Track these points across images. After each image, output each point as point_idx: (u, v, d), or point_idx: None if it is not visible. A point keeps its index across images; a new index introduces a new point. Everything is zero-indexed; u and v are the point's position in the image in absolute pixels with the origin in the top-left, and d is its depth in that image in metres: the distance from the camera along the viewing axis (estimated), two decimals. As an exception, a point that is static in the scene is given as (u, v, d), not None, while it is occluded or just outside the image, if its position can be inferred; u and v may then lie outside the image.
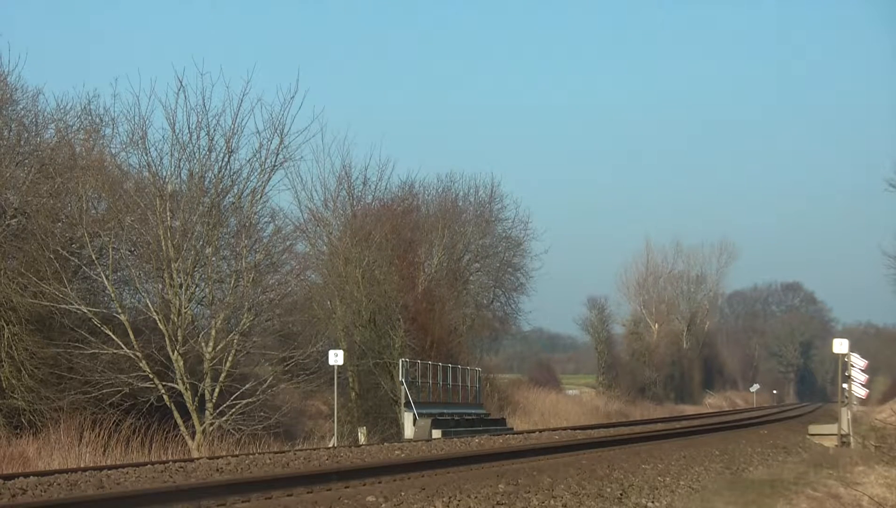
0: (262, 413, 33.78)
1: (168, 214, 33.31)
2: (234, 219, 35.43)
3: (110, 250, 32.90)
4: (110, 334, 32.16)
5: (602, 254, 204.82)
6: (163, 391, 32.53)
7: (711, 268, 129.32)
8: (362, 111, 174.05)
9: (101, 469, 21.82)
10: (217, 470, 22.07)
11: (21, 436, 29.59)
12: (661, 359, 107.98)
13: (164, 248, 33.02)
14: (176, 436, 31.48)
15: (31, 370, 31.82)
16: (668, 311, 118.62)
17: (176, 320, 32.96)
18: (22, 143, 34.75)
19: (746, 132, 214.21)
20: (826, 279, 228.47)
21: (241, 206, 35.27)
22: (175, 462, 24.03)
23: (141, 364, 32.25)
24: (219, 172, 34.64)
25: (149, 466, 22.35)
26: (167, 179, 33.99)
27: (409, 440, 37.65)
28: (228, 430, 32.54)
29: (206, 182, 34.37)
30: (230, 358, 33.35)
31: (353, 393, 44.93)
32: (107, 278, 32.53)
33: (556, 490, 19.13)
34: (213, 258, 34.43)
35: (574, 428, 46.97)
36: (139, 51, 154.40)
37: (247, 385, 33.50)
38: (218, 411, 33.05)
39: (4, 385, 31.83)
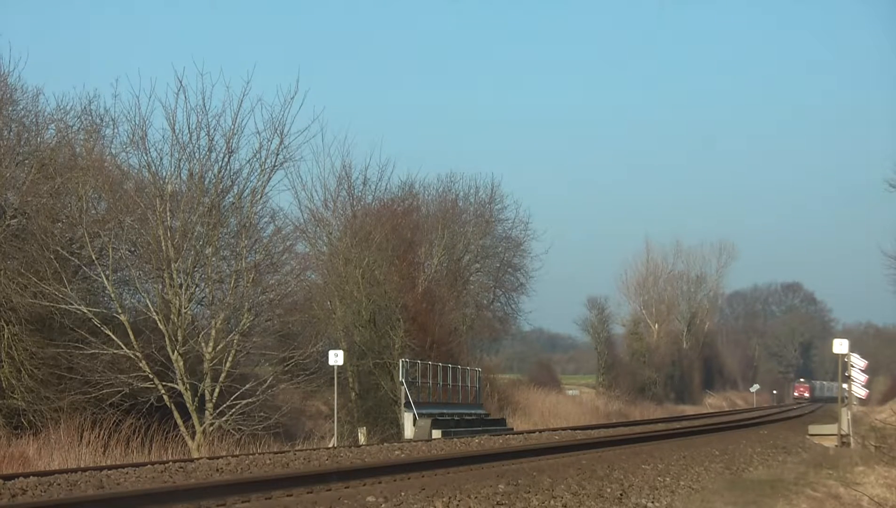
0: (262, 413, 33.78)
1: (168, 214, 33.31)
2: (234, 219, 35.45)
3: (110, 250, 32.90)
4: (110, 334, 32.15)
5: (602, 254, 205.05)
6: (163, 391, 32.53)
7: (711, 268, 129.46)
8: (362, 111, 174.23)
9: (101, 469, 21.83)
10: (217, 470, 22.08)
11: (21, 436, 29.58)
12: (661, 359, 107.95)
13: (164, 248, 33.01)
14: (176, 436, 31.49)
15: (31, 370, 31.81)
16: (668, 311, 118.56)
17: (176, 320, 32.96)
18: (22, 143, 34.76)
19: (746, 132, 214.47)
20: (826, 279, 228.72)
21: (241, 206, 35.28)
22: (175, 462, 24.03)
23: (141, 365, 32.25)
24: (219, 172, 34.68)
25: (149, 466, 22.35)
26: (167, 180, 33.99)
27: (409, 441, 37.64)
28: (228, 430, 32.54)
29: (206, 182, 34.39)
30: (230, 358, 33.35)
31: (353, 393, 44.92)
32: (107, 278, 32.53)
33: (556, 491, 19.13)
34: (213, 258, 34.43)
35: (574, 428, 46.97)
36: (139, 51, 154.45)
37: (247, 385, 33.50)
38: (218, 411, 33.05)
39: (4, 385, 31.82)
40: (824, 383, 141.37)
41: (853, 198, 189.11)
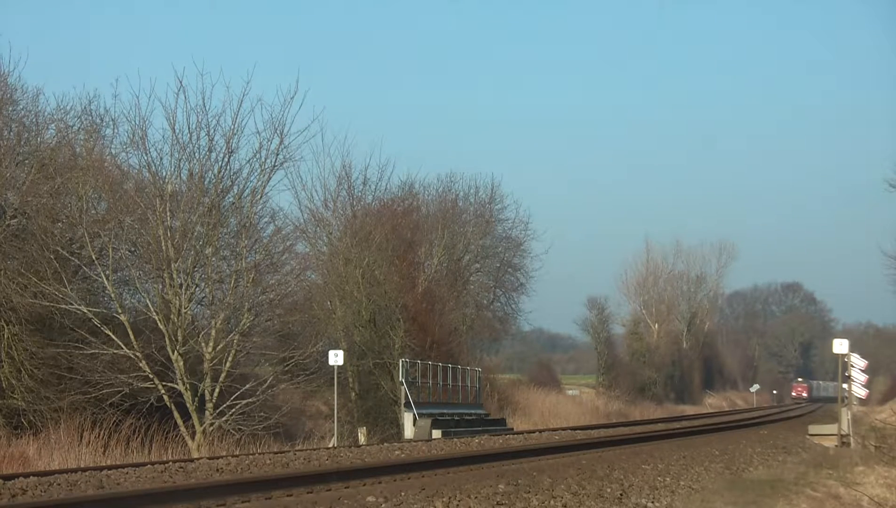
0: (262, 413, 33.78)
1: (168, 214, 33.31)
2: (234, 219, 35.46)
3: (110, 250, 32.90)
4: (110, 334, 32.16)
5: (602, 254, 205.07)
6: (163, 391, 32.54)
7: (711, 268, 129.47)
8: (362, 111, 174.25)
9: (101, 469, 21.83)
10: (217, 470, 22.08)
11: (21, 436, 29.59)
12: (661, 359, 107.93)
13: (164, 248, 33.02)
14: (176, 436, 31.49)
15: (31, 370, 31.81)
16: (668, 311, 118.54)
17: (176, 320, 32.96)
18: (22, 143, 34.76)
19: (746, 132, 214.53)
20: (826, 279, 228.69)
21: (241, 206, 35.28)
22: (175, 462, 24.04)
23: (141, 365, 32.26)
24: (219, 172, 34.70)
25: (149, 466, 22.36)
26: (167, 180, 34.00)
27: (409, 441, 37.64)
28: (228, 430, 32.54)
29: (206, 182, 34.40)
30: (230, 358, 33.36)
31: (353, 393, 44.92)
32: (107, 278, 32.53)
33: (556, 491, 19.13)
34: (213, 258, 34.44)
35: (574, 428, 46.96)
36: (139, 51, 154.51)
37: (247, 385, 33.51)
38: (218, 411, 33.05)
39: (4, 385, 31.83)
40: (821, 382, 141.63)
41: (853, 198, 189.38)
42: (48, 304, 31.77)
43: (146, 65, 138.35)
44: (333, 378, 36.68)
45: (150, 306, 33.11)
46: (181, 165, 34.23)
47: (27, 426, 30.84)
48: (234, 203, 35.32)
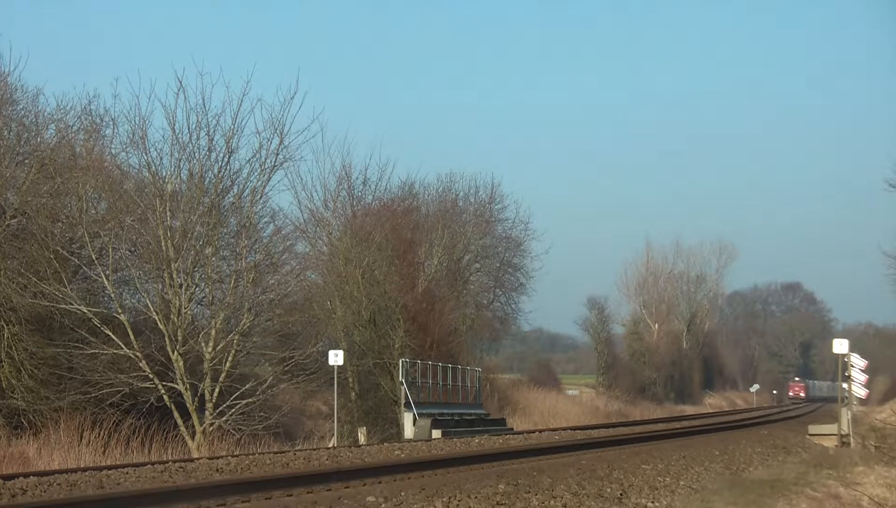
0: (262, 413, 33.78)
1: (168, 214, 33.30)
2: (234, 219, 35.46)
3: (110, 250, 32.89)
4: (110, 334, 32.15)
5: (602, 254, 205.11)
6: (163, 391, 32.53)
7: (711, 268, 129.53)
8: (362, 111, 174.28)
9: (101, 469, 21.84)
10: (217, 470, 22.08)
11: (21, 436, 29.59)
12: (660, 359, 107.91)
13: (163, 248, 33.01)
14: (176, 436, 31.50)
15: (31, 370, 31.81)
16: (668, 311, 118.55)
17: (176, 320, 32.96)
18: (22, 143, 34.74)
19: (746, 132, 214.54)
20: (826, 279, 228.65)
21: (241, 206, 35.28)
22: (175, 462, 24.04)
23: (141, 364, 32.25)
24: (219, 172, 34.68)
25: (149, 466, 22.36)
26: (167, 180, 33.99)
27: (409, 440, 37.65)
28: (228, 430, 32.54)
29: (206, 182, 34.38)
30: (230, 358, 33.36)
31: (353, 393, 44.92)
32: (107, 278, 32.52)
33: (556, 490, 19.13)
34: (213, 258, 34.43)
35: (574, 428, 46.96)
36: (139, 51, 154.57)
37: (247, 385, 33.51)
38: (218, 411, 33.05)
39: (4, 385, 31.82)
40: (817, 382, 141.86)
41: (853, 198, 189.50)
42: (48, 304, 31.77)
43: (146, 65, 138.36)
44: (333, 378, 36.69)
45: (150, 306, 33.11)
46: (181, 165, 34.26)
47: (27, 426, 30.83)
48: (234, 203, 35.32)
